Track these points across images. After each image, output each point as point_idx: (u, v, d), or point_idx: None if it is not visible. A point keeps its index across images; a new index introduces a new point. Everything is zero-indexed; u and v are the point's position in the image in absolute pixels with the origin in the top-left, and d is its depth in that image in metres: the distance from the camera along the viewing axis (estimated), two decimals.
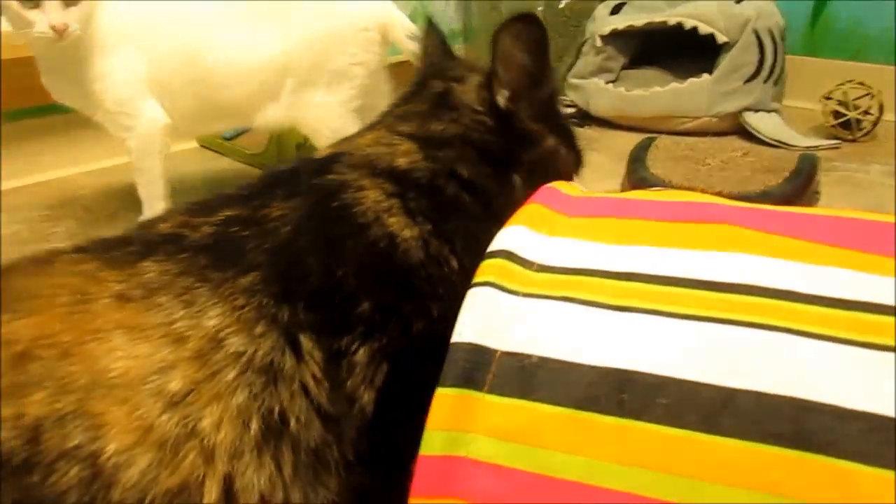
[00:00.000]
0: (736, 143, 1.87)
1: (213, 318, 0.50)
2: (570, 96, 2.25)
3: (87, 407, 0.44)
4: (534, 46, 0.69)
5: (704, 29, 1.97)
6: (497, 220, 0.57)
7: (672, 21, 2.02)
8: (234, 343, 0.50)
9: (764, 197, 1.33)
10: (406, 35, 1.43)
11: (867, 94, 1.95)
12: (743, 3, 1.99)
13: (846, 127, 1.95)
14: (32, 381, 0.43)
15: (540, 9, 2.28)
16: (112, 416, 0.44)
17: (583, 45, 2.23)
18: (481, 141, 0.69)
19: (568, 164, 0.77)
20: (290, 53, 1.35)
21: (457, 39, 2.64)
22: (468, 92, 0.71)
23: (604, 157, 1.88)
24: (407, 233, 0.59)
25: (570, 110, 2.24)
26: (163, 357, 0.47)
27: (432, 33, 0.83)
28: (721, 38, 1.96)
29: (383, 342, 0.55)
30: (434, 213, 0.61)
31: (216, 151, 1.99)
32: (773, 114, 2.03)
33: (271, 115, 1.39)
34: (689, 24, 1.99)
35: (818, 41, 2.29)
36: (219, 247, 0.55)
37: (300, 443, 0.51)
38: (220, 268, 0.52)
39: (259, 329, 0.51)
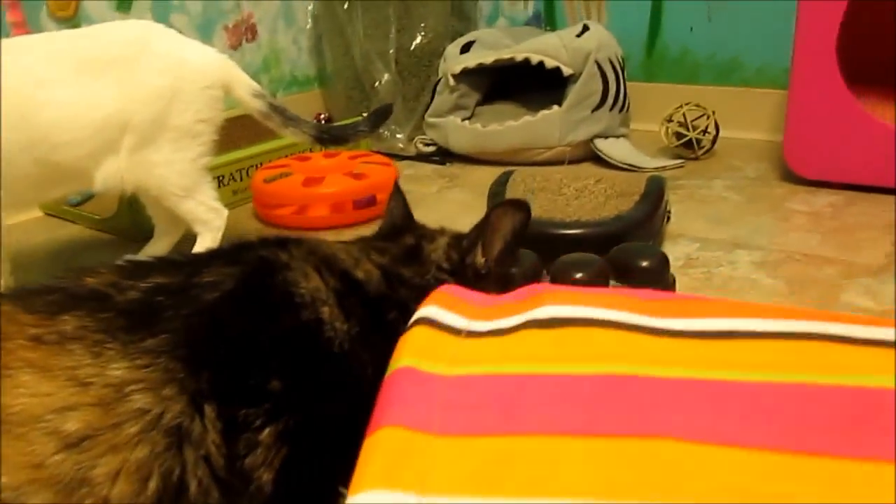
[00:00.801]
0: (590, 170, 1.95)
1: (117, 370, 0.50)
2: (430, 135, 2.28)
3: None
4: (518, 228, 0.79)
5: (550, 63, 2.06)
6: None
7: (519, 57, 2.09)
8: (140, 400, 0.50)
9: (618, 221, 1.39)
10: (249, 93, 1.41)
11: (703, 115, 2.08)
12: (583, 36, 2.09)
13: (688, 146, 2.08)
14: None
15: (391, 51, 2.31)
16: (6, 451, 0.44)
17: (437, 84, 2.26)
18: None
19: None
20: (130, 110, 1.29)
21: (312, 85, 2.63)
22: (437, 250, 0.78)
23: (466, 192, 1.92)
24: (337, 324, 0.60)
25: (431, 149, 2.26)
26: (64, 398, 0.47)
27: (398, 195, 0.90)
28: (566, 71, 2.05)
29: (289, 424, 0.55)
30: (366, 322, 0.63)
31: (63, 219, 1.87)
32: (621, 139, 2.14)
33: (113, 175, 1.32)
34: (535, 59, 2.07)
35: (655, 68, 2.43)
36: (138, 311, 0.55)
37: None
38: (132, 331, 0.53)
39: (167, 391, 0.51)
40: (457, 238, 0.82)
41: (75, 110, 1.26)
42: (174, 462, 0.50)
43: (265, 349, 0.56)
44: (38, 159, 1.27)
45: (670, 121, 2.10)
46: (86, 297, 0.55)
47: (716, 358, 0.45)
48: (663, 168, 2.00)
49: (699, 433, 0.38)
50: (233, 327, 0.56)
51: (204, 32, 2.24)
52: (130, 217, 1.66)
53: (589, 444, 0.38)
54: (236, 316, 0.57)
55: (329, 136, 1.50)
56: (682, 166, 2.04)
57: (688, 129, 2.06)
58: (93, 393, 0.48)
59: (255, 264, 0.62)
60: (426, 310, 0.56)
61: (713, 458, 0.37)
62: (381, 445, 0.42)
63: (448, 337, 0.51)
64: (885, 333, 0.46)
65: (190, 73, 1.34)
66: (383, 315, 0.66)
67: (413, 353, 0.50)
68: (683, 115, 2.08)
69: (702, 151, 2.08)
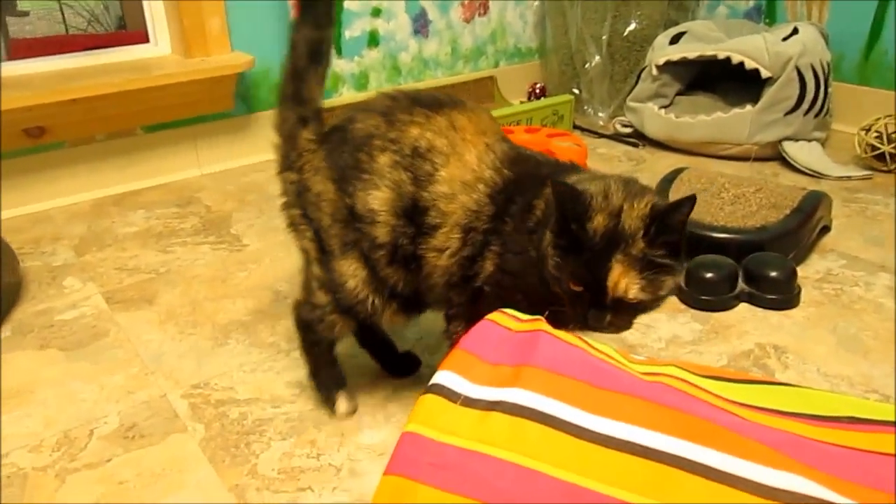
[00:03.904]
0: (753, 178, 2.00)
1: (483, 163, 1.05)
2: (629, 117, 2.47)
3: (453, 156, 1.04)
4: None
5: (750, 64, 2.16)
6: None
7: (721, 55, 2.21)
8: (488, 173, 1.04)
9: (761, 232, 1.55)
10: None
11: None
12: (790, 39, 2.16)
13: (880, 159, 2.10)
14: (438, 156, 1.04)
15: (605, 36, 2.51)
16: (453, 172, 1.03)
17: (642, 71, 2.44)
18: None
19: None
20: None
21: (532, 57, 2.89)
22: (635, 210, 0.94)
23: (648, 178, 2.10)
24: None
25: (627, 130, 2.46)
26: (473, 168, 1.04)
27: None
28: (765, 73, 2.14)
29: (499, 254, 1.01)
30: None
31: None
32: (813, 143, 2.20)
33: None
34: (736, 59, 2.18)
35: (870, 72, 2.42)
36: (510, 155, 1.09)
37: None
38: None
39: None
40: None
41: None
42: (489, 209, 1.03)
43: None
44: None
45: (867, 131, 2.13)
46: None
47: (615, 472, 0.64)
48: (847, 178, 2.06)
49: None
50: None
51: (442, 7, 2.57)
52: None
53: None
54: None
55: None
56: (868, 178, 2.08)
57: (883, 142, 2.09)
58: (483, 164, 1.04)
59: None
60: (441, 375, 0.76)
61: None
62: (381, 489, 0.68)
63: (446, 404, 0.73)
64: (781, 479, 0.61)
65: None
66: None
67: (419, 419, 0.72)
68: (884, 126, 2.10)
69: (895, 166, 2.10)
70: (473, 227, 1.02)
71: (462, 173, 1.03)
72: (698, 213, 1.62)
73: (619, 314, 0.92)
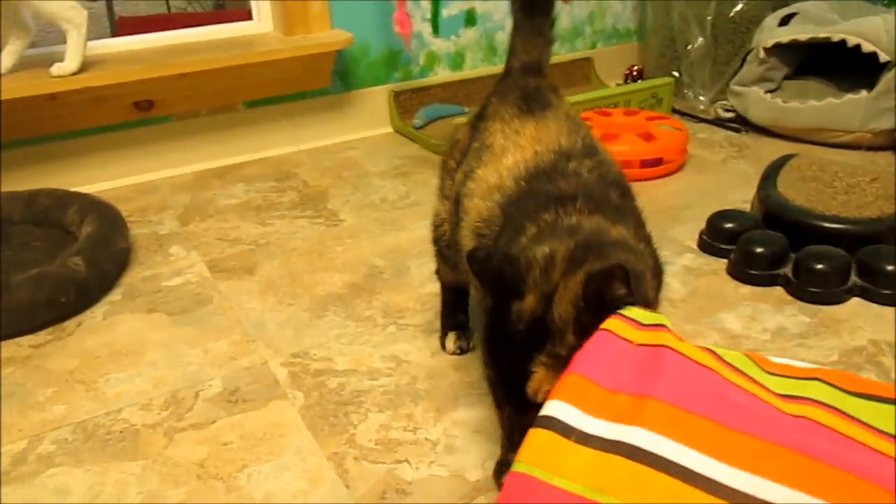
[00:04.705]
0: (870, 167, 1.90)
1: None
2: (732, 102, 2.38)
3: (498, 157, 1.01)
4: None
5: (867, 47, 2.04)
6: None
7: (836, 37, 2.10)
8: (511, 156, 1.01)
9: (877, 223, 1.47)
10: None
11: None
12: None
13: None
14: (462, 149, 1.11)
15: (709, 17, 2.42)
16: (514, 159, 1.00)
17: (748, 53, 2.34)
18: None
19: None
20: None
21: (630, 38, 2.82)
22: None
23: (750, 165, 2.03)
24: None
25: (729, 115, 2.37)
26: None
27: None
28: (883, 57, 2.02)
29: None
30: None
31: (408, 138, 2.34)
32: None
33: None
34: (852, 41, 2.07)
35: None
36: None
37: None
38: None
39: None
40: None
41: None
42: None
43: None
44: None
45: None
46: None
47: None
48: None
49: None
50: None
51: None
52: None
53: None
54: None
55: None
56: None
57: None
58: (516, 165, 0.98)
59: None
60: (552, 406, 0.69)
61: None
62: None
63: (559, 440, 0.67)
64: None
65: None
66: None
67: (529, 458, 0.67)
68: None
69: None
70: (483, 234, 0.96)
71: (489, 175, 0.99)
72: (810, 202, 1.55)
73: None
